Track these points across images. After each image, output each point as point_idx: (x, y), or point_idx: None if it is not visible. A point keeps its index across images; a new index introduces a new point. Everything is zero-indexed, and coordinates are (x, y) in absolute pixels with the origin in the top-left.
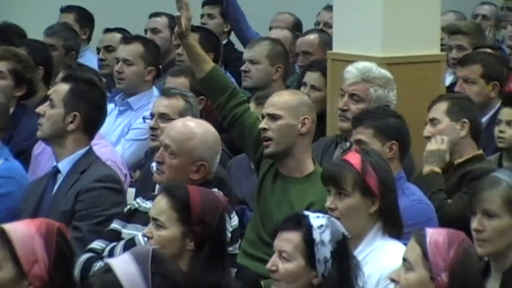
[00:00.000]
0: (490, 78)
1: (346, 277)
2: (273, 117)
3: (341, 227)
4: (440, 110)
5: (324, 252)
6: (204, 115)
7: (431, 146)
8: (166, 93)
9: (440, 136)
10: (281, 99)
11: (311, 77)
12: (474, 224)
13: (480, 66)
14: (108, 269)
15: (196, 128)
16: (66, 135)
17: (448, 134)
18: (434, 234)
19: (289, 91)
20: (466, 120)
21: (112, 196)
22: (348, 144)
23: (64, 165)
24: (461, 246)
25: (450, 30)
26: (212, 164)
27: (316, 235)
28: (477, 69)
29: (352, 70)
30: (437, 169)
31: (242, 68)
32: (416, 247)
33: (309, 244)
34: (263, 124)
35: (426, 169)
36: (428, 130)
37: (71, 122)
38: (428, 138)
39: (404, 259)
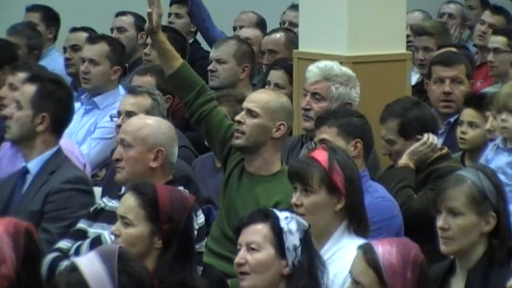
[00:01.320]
0: (470, 78)
1: (315, 265)
2: (251, 113)
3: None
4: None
5: (293, 240)
6: (170, 113)
7: (422, 146)
8: (132, 91)
9: (433, 137)
10: (263, 99)
11: (275, 75)
12: (439, 222)
13: (464, 66)
14: (74, 268)
15: (149, 119)
16: (35, 136)
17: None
18: (386, 255)
19: (274, 92)
20: (359, 140)
21: (81, 198)
22: (313, 144)
23: (33, 166)
24: (416, 264)
25: (416, 31)
26: (170, 152)
27: (283, 224)
28: (463, 68)
29: (313, 69)
30: (412, 166)
31: (209, 67)
32: (369, 272)
33: (277, 233)
34: (239, 117)
35: (402, 162)
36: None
37: (40, 123)
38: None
39: (357, 283)
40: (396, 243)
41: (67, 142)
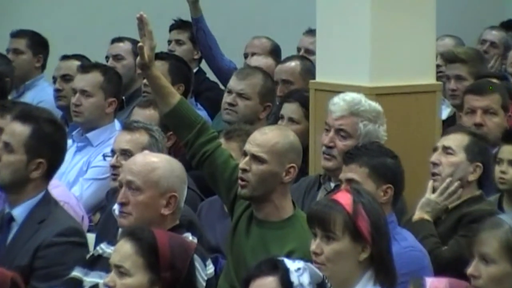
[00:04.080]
0: (506, 110)
1: None
2: (257, 159)
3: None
4: (458, 141)
5: None
6: (172, 152)
7: (433, 195)
8: (128, 127)
9: (447, 182)
10: (270, 141)
11: (289, 108)
12: (470, 269)
13: (499, 96)
14: None
15: (158, 158)
16: (27, 182)
17: (457, 171)
18: (435, 283)
19: (278, 130)
20: (480, 164)
21: (76, 253)
22: (332, 185)
23: (19, 212)
24: None
25: (447, 58)
26: (182, 196)
27: (294, 278)
28: (498, 98)
29: (339, 103)
30: (428, 217)
31: (228, 100)
32: None
33: None
34: (243, 164)
35: (417, 216)
36: (437, 157)
37: (35, 169)
38: (435, 164)
39: None
40: (449, 278)
41: (63, 191)
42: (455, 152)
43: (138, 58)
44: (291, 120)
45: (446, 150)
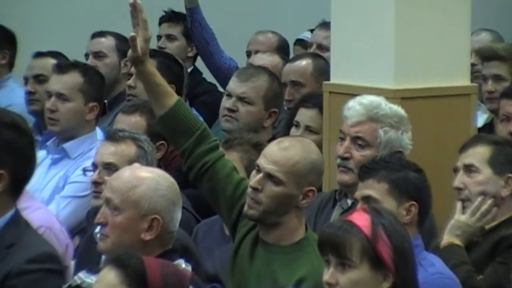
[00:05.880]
0: None
1: None
2: (272, 179)
3: None
4: (479, 155)
5: None
6: (163, 165)
7: (463, 216)
8: (112, 136)
9: (479, 201)
10: (290, 159)
11: (306, 115)
12: None
13: None
14: None
15: (145, 174)
16: None
17: (487, 190)
18: None
19: (300, 145)
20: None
21: (51, 281)
22: (349, 202)
23: None
24: None
25: (484, 55)
26: (170, 219)
27: None
28: None
29: (355, 107)
30: (458, 242)
31: (227, 105)
32: None
33: None
34: (255, 183)
35: (445, 241)
36: (460, 180)
37: None
38: (459, 189)
39: None
40: None
41: (44, 214)
42: (478, 169)
43: (130, 51)
44: (308, 129)
45: (469, 169)
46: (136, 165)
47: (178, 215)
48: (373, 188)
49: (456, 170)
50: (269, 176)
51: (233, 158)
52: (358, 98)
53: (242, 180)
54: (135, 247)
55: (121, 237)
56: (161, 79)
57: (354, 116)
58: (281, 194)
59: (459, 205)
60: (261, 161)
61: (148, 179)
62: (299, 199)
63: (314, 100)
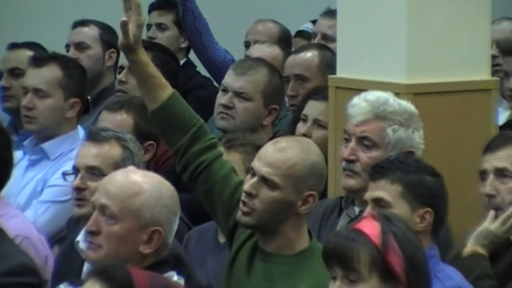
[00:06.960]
0: None
1: None
2: (267, 183)
3: None
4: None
5: None
6: (152, 167)
7: (493, 225)
8: (93, 137)
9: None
10: (286, 162)
11: (316, 108)
12: None
13: None
14: None
15: (144, 180)
16: None
17: None
18: None
19: (298, 145)
20: None
21: None
22: (357, 210)
23: None
24: None
25: (505, 47)
26: (169, 231)
27: None
28: None
29: (360, 104)
30: (483, 252)
31: (223, 101)
32: None
33: None
34: (249, 187)
35: (469, 249)
36: (492, 186)
37: None
38: (491, 196)
39: None
40: None
41: (21, 222)
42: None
43: (121, 38)
44: (316, 122)
45: (502, 173)
46: (131, 168)
47: (176, 225)
48: (386, 190)
49: (484, 174)
50: (264, 180)
51: (234, 159)
52: (363, 94)
53: (242, 183)
54: (130, 259)
55: (117, 249)
56: (154, 70)
57: (359, 114)
58: (278, 200)
59: (491, 213)
60: (256, 164)
61: (149, 186)
62: (298, 205)
63: (324, 93)
